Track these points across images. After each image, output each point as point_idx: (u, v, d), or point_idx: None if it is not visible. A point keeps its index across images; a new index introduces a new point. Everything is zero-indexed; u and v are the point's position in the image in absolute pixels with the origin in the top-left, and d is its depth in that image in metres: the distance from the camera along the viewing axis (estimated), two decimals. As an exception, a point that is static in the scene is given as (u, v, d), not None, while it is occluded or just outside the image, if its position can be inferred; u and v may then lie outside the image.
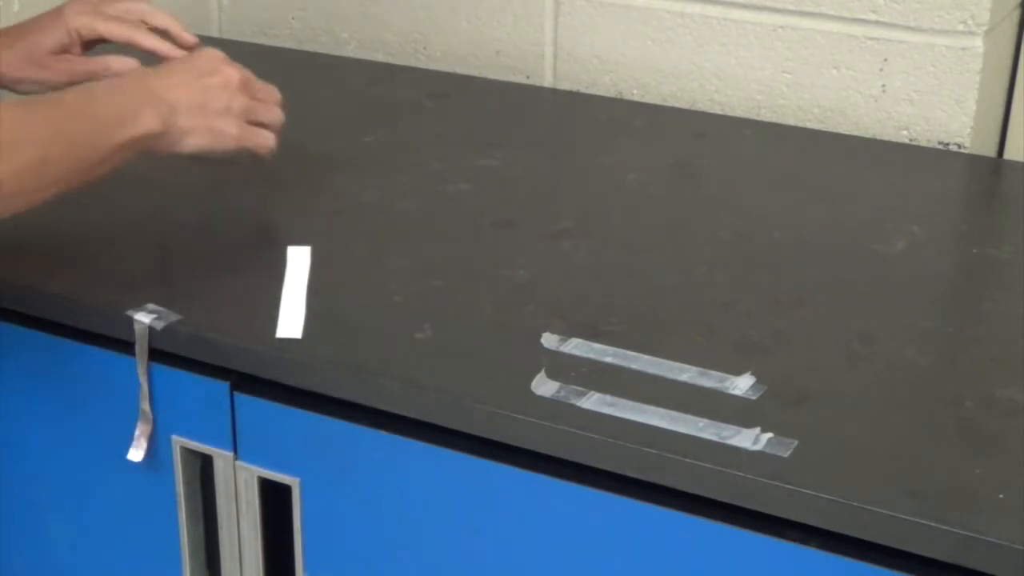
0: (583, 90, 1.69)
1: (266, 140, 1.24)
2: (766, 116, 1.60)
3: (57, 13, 1.31)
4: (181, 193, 1.37)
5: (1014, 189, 1.44)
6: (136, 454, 1.16)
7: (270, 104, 1.26)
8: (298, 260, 1.21)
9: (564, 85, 1.71)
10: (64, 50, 1.31)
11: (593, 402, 1.01)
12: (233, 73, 1.21)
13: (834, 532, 0.93)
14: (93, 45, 1.33)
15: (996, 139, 1.58)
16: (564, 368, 1.05)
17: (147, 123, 1.13)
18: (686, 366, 1.06)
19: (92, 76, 1.28)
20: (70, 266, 1.22)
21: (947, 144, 1.51)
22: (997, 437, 0.98)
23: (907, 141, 1.53)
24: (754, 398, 1.02)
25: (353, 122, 1.56)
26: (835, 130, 1.56)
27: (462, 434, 1.04)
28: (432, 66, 1.77)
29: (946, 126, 1.51)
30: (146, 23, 1.32)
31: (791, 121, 1.59)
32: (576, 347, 1.08)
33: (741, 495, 0.95)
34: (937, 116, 1.51)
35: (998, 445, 0.98)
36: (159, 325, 1.11)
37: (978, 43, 1.47)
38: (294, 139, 1.52)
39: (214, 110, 1.19)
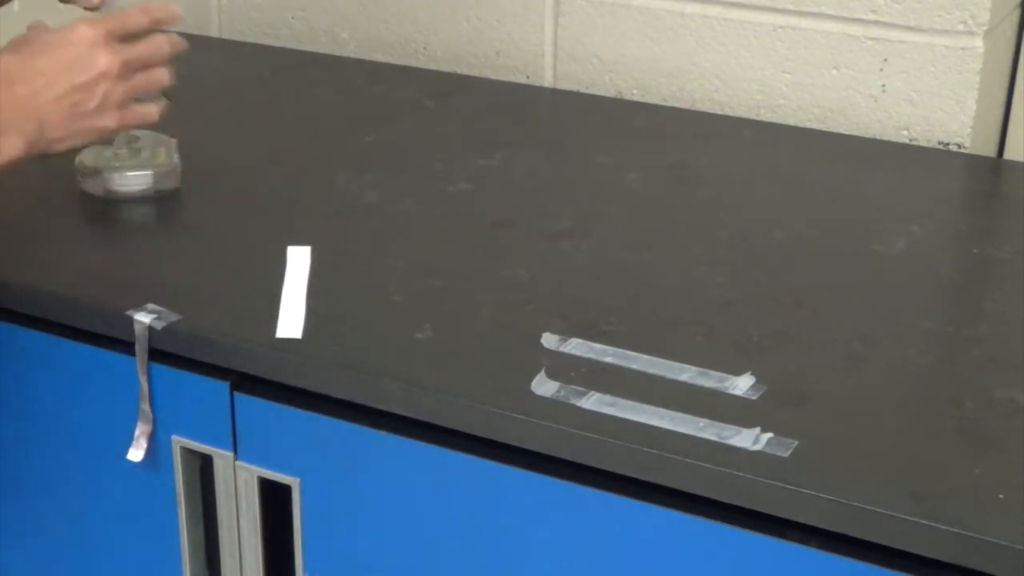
0: (583, 90, 1.69)
1: (150, 117, 1.15)
2: (766, 116, 1.60)
3: None
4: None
5: (1014, 189, 1.44)
6: (136, 454, 1.16)
7: (155, 71, 1.14)
8: (298, 260, 1.21)
9: (564, 85, 1.71)
10: None
11: (593, 402, 1.01)
12: (112, 62, 1.10)
13: (834, 532, 0.93)
14: None
15: (996, 139, 1.58)
16: (564, 368, 1.05)
17: (13, 150, 1.07)
18: (686, 366, 1.06)
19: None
20: (70, 266, 1.22)
21: (947, 144, 1.51)
22: (997, 437, 0.98)
23: (907, 141, 1.53)
24: (754, 398, 1.02)
25: (353, 122, 1.56)
26: (835, 130, 1.56)
27: (462, 434, 1.04)
28: (432, 66, 1.77)
29: (946, 126, 1.51)
30: None
31: (791, 121, 1.59)
32: (576, 347, 1.08)
33: (741, 495, 0.95)
34: (937, 116, 1.51)
35: (998, 445, 0.98)
36: (159, 325, 1.11)
37: (978, 43, 1.47)
38: (294, 139, 1.52)
39: (87, 112, 1.10)
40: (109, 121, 1.12)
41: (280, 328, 1.11)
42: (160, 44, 1.15)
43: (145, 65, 1.13)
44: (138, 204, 1.33)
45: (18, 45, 1.12)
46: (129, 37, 1.13)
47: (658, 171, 1.45)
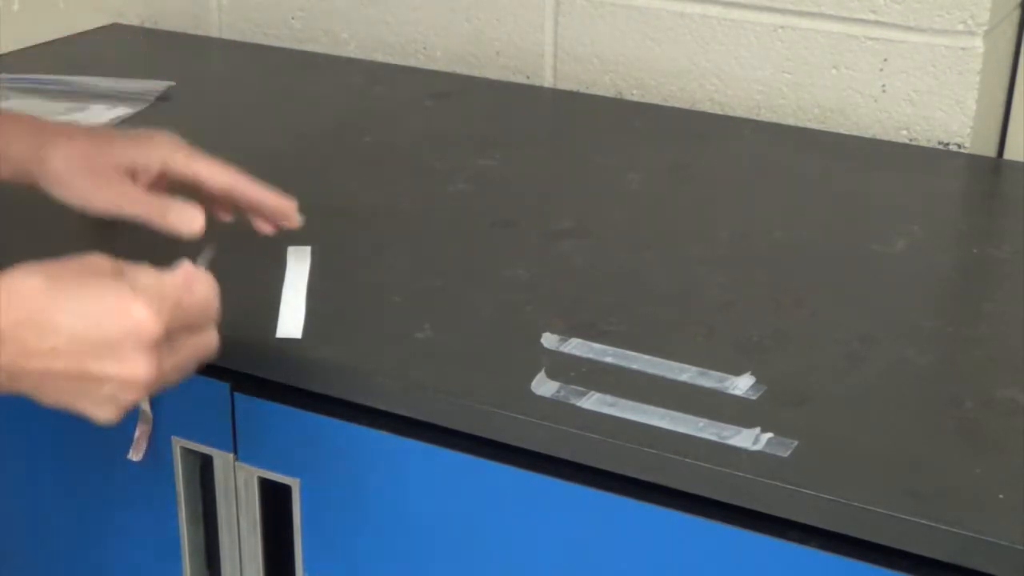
0: (583, 90, 1.69)
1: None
2: (766, 116, 1.60)
3: (146, 136, 1.14)
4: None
5: (1014, 189, 1.44)
6: (136, 454, 1.16)
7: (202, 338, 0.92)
8: (298, 260, 1.21)
9: (564, 85, 1.71)
10: (130, 172, 1.12)
11: (593, 402, 1.01)
12: (148, 374, 0.85)
13: (834, 532, 0.93)
14: (161, 184, 1.15)
15: (996, 139, 1.58)
16: (564, 368, 1.05)
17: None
18: (686, 366, 1.06)
19: (142, 215, 1.11)
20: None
21: (947, 144, 1.51)
22: (997, 437, 0.98)
23: (907, 141, 1.53)
24: (754, 398, 1.02)
25: (353, 122, 1.56)
26: (835, 130, 1.56)
27: (462, 434, 1.04)
28: (432, 66, 1.77)
29: (946, 126, 1.51)
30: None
31: (791, 121, 1.59)
32: (576, 347, 1.08)
33: (741, 495, 0.95)
34: (937, 116, 1.51)
35: (998, 445, 0.97)
36: (159, 325, 1.11)
37: (978, 43, 1.47)
38: (294, 139, 1.52)
39: (82, 396, 0.87)
40: (101, 414, 0.87)
41: (280, 328, 1.11)
42: (208, 301, 0.92)
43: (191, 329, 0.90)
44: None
45: (59, 272, 0.85)
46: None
47: (658, 171, 1.45)
